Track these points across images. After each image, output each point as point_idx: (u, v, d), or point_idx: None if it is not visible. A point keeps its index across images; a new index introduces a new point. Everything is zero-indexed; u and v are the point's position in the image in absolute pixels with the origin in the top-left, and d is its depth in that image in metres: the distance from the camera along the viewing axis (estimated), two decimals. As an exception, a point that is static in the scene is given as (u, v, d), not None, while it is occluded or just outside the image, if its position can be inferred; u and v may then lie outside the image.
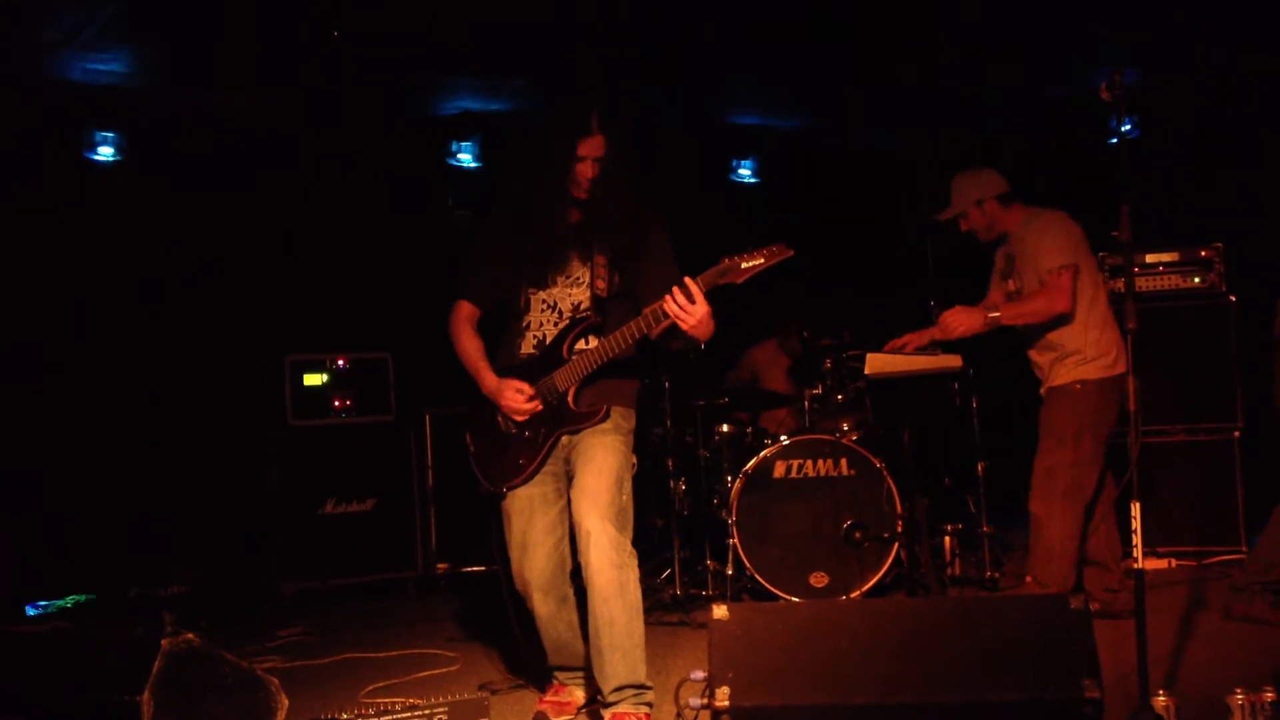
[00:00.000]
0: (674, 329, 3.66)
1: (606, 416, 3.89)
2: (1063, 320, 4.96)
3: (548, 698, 4.19)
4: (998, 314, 4.98)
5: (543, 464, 3.94)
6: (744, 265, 3.58)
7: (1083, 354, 4.95)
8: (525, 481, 3.94)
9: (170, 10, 5.49)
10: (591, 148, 3.82)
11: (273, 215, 6.98)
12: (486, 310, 4.10)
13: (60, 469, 6.31)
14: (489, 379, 3.96)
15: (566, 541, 4.01)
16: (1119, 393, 4.89)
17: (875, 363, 5.03)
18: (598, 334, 3.87)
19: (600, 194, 3.87)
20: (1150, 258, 6.39)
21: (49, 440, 6.34)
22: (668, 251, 3.93)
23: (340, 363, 6.80)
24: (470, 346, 4.03)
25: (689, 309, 3.54)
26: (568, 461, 3.97)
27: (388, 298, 7.26)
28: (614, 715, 3.78)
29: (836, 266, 7.66)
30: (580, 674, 4.20)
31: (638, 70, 6.71)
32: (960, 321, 5.00)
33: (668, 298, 3.57)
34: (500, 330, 4.11)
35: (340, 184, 7.14)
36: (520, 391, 3.88)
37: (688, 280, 3.57)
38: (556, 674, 4.23)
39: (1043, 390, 5.11)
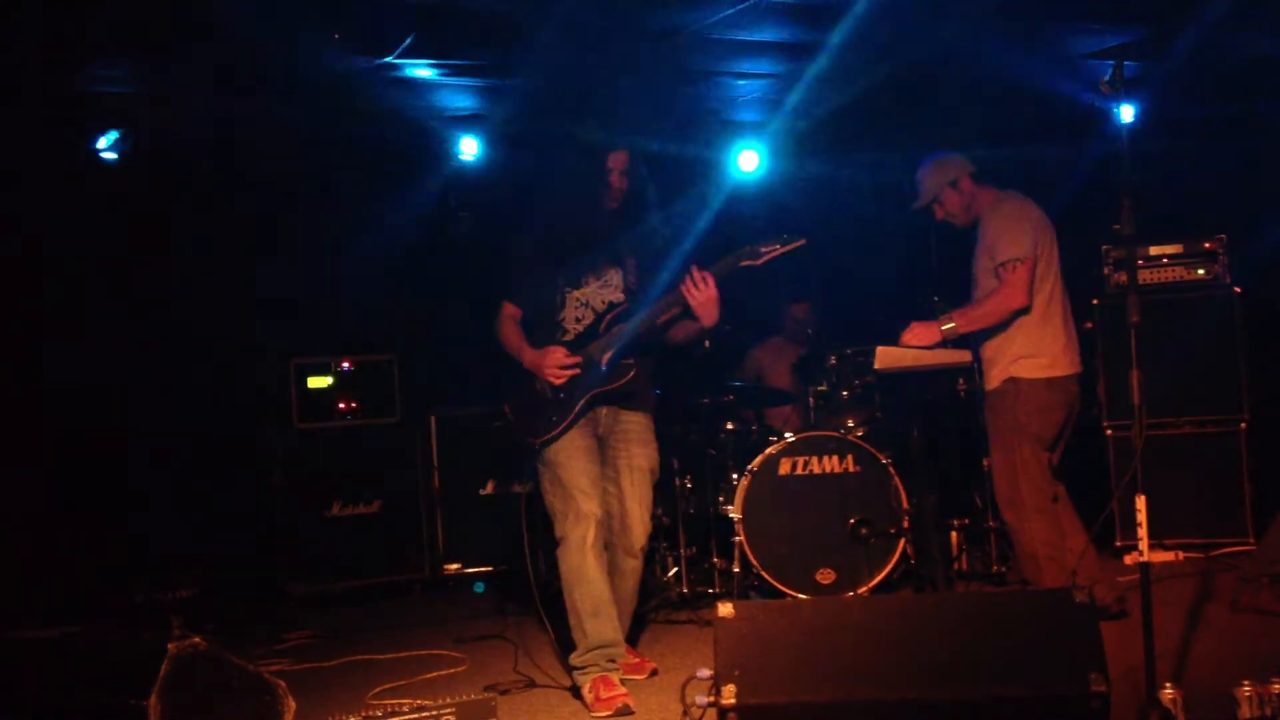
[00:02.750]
0: (678, 319, 4.33)
1: (636, 379, 4.40)
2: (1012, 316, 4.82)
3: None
4: (952, 324, 4.84)
5: (574, 423, 4.39)
6: (763, 250, 4.13)
7: (1010, 353, 4.79)
8: (557, 437, 4.39)
9: (171, 15, 5.50)
10: (618, 160, 4.37)
11: (276, 218, 6.98)
12: (526, 311, 4.58)
13: (64, 472, 6.32)
14: (529, 353, 4.45)
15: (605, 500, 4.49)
16: (1063, 393, 4.78)
17: (885, 357, 4.96)
18: (629, 320, 4.39)
19: (627, 203, 4.43)
20: (1154, 250, 6.38)
21: (53, 443, 6.35)
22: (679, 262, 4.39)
23: (345, 365, 6.81)
24: (513, 334, 4.54)
25: (701, 288, 4.17)
26: (609, 444, 4.51)
27: (392, 300, 7.27)
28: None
29: (838, 261, 7.65)
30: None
31: (635, 70, 6.69)
32: (916, 337, 4.89)
33: (685, 280, 4.18)
34: (535, 326, 4.55)
35: (343, 185, 7.14)
36: (558, 352, 4.37)
37: (699, 270, 4.21)
38: (608, 656, 4.33)
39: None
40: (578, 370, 4.37)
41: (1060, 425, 4.84)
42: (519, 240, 4.63)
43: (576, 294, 4.48)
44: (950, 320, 4.87)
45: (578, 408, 4.37)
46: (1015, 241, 4.77)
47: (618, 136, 4.45)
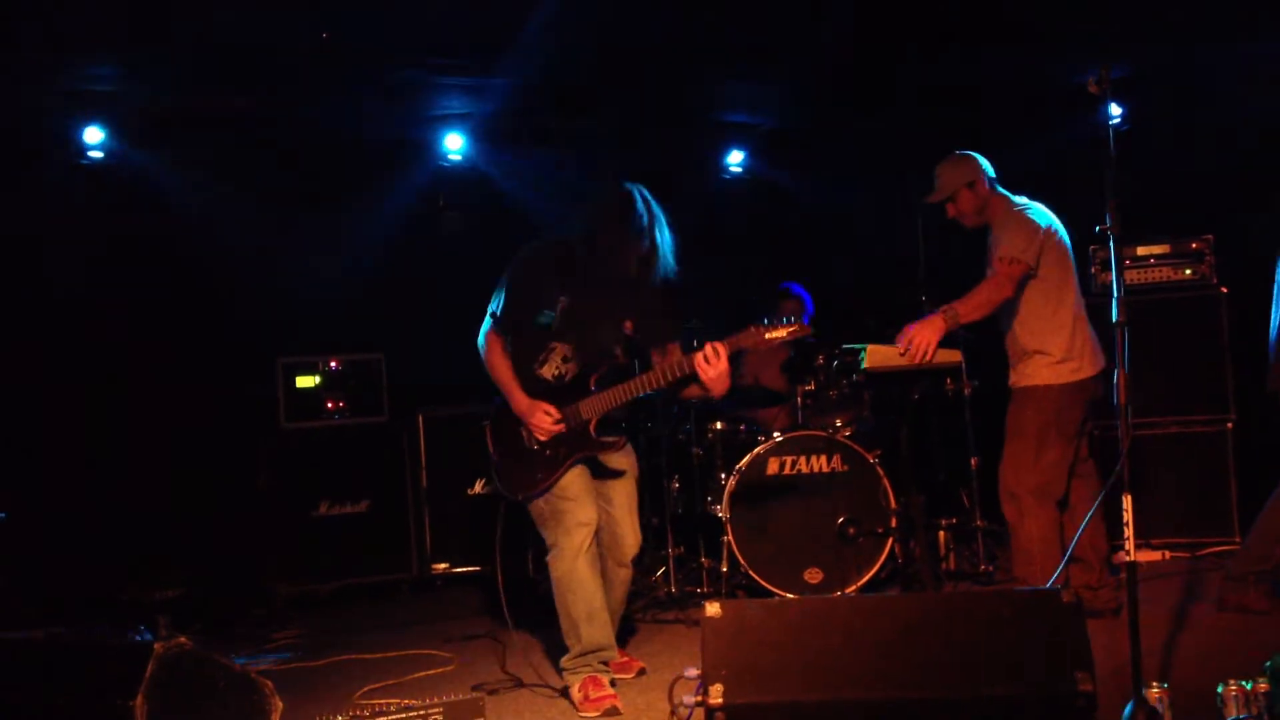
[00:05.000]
0: (685, 381, 4.27)
1: (623, 447, 4.43)
2: (1022, 318, 4.88)
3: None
4: (955, 312, 4.77)
5: (558, 480, 4.34)
6: (766, 335, 4.11)
7: (1048, 355, 4.84)
8: (540, 495, 4.36)
9: (161, 15, 5.48)
10: (639, 249, 4.33)
11: (263, 217, 6.96)
12: (510, 337, 4.51)
13: (54, 472, 6.30)
14: (521, 399, 4.37)
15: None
16: (1085, 393, 4.83)
17: (875, 356, 4.96)
18: (623, 376, 4.34)
19: (641, 274, 4.38)
20: (1141, 250, 6.40)
21: (42, 443, 6.33)
22: (678, 315, 4.55)
23: (333, 364, 6.78)
24: (503, 367, 4.45)
25: (714, 363, 4.12)
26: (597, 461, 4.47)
27: (379, 298, 7.25)
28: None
29: (826, 263, 7.66)
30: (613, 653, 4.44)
31: (625, 69, 6.70)
32: (922, 336, 4.74)
33: (698, 354, 4.15)
34: (522, 346, 4.48)
35: (330, 183, 7.12)
36: (548, 414, 4.32)
37: (711, 345, 4.17)
38: (601, 659, 4.36)
39: (1010, 384, 5.02)
40: (564, 429, 4.33)
41: (1082, 418, 4.88)
42: (522, 266, 4.49)
43: (566, 343, 4.43)
44: (951, 308, 4.76)
45: (562, 469, 4.34)
46: (1019, 244, 4.81)
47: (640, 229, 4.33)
